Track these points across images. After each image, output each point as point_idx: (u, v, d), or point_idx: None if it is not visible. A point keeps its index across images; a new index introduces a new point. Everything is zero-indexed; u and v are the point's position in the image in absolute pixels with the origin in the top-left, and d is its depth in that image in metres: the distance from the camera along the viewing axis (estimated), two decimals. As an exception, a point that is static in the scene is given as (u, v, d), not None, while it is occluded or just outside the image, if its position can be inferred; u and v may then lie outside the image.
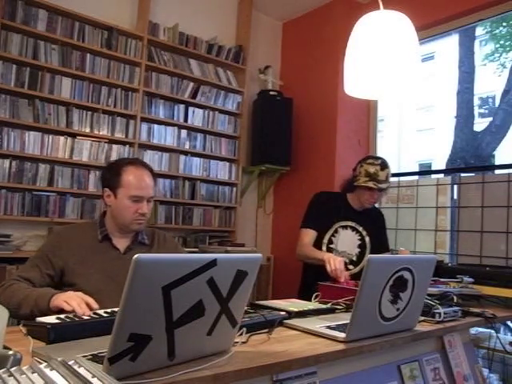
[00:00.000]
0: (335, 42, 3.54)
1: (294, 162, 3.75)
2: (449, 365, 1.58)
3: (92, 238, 1.64)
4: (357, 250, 2.40)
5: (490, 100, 9.43)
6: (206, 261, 0.86)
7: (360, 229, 2.41)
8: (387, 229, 2.64)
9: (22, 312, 1.35)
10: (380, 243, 2.48)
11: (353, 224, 2.40)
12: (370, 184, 2.27)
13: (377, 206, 3.41)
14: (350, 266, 2.37)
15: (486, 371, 1.88)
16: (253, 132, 3.82)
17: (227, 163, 3.66)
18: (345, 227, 2.39)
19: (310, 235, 2.34)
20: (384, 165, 2.31)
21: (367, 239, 2.42)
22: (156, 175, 1.74)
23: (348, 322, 1.20)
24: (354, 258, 2.39)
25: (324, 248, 2.35)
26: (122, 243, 1.67)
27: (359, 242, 2.41)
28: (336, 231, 2.37)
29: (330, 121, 3.57)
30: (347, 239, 2.39)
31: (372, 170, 2.29)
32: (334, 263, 1.97)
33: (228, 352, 1.00)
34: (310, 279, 2.29)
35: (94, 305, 1.28)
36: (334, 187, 3.30)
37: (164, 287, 0.80)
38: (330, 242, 2.36)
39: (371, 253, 2.40)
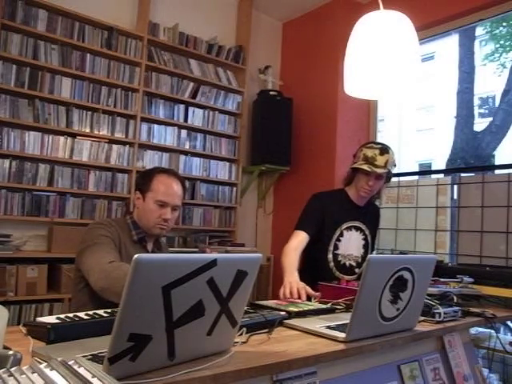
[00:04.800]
0: (335, 42, 3.54)
1: (294, 161, 3.75)
2: (449, 365, 1.58)
3: (128, 236, 1.69)
4: (362, 251, 2.28)
5: (490, 100, 9.42)
6: (206, 261, 0.86)
7: (363, 227, 2.28)
8: (387, 229, 2.61)
9: None
10: (372, 242, 2.37)
11: (356, 223, 2.26)
12: (365, 167, 2.07)
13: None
14: (357, 269, 2.25)
15: (486, 371, 1.88)
16: (253, 132, 3.82)
17: (227, 163, 3.66)
18: (349, 228, 2.25)
19: (299, 238, 2.10)
20: (384, 150, 2.10)
21: (369, 238, 2.31)
22: (186, 188, 1.81)
23: (348, 321, 1.20)
24: (360, 260, 2.26)
25: (330, 255, 2.20)
26: (149, 245, 1.75)
27: (363, 242, 2.29)
28: (341, 234, 2.22)
29: (330, 121, 3.57)
30: (352, 241, 2.26)
31: (370, 153, 2.10)
32: (290, 288, 1.80)
33: (228, 352, 1.00)
34: (306, 280, 2.25)
35: None
36: (334, 187, 3.30)
37: (164, 287, 0.80)
38: (336, 247, 2.20)
39: (371, 253, 2.33)
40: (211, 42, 3.59)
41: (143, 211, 1.68)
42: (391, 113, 10.70)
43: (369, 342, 1.23)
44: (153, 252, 1.75)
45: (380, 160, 2.08)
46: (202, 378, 0.87)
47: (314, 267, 2.21)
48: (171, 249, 3.27)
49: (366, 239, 2.30)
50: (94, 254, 1.49)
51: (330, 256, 2.20)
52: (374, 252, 2.88)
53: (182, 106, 3.41)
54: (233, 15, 3.87)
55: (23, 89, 2.75)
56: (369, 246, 2.32)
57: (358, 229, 2.27)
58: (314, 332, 1.28)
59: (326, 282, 1.91)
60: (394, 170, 2.26)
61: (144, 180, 1.71)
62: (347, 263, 2.23)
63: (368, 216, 2.32)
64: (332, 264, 2.20)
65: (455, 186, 3.01)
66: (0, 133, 2.67)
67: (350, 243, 2.24)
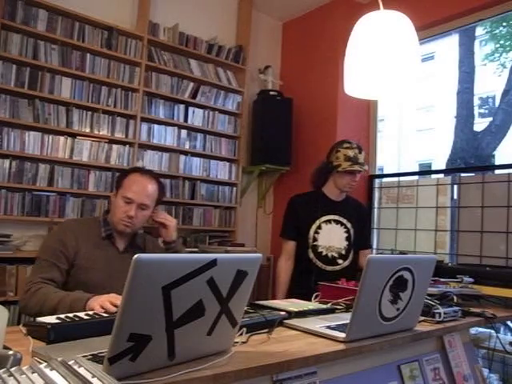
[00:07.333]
0: (335, 42, 3.54)
1: (294, 161, 3.75)
2: (449, 365, 1.58)
3: (95, 234, 1.70)
4: (345, 243, 2.35)
5: (490, 100, 9.42)
6: (206, 261, 0.86)
7: (344, 221, 2.37)
8: (387, 229, 2.62)
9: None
10: (362, 238, 2.42)
11: (336, 217, 2.36)
12: (356, 167, 2.24)
13: (377, 205, 3.43)
14: (340, 260, 2.33)
15: (486, 371, 1.88)
16: (253, 132, 3.82)
17: (227, 163, 3.66)
18: (328, 222, 2.34)
19: (289, 248, 2.36)
20: (360, 147, 2.31)
21: (352, 231, 2.37)
22: (163, 190, 1.84)
23: (348, 321, 1.20)
24: (343, 252, 2.34)
25: (309, 247, 2.32)
26: (120, 243, 1.74)
27: (346, 235, 2.36)
28: (319, 227, 2.33)
29: (330, 121, 3.57)
30: (333, 233, 2.34)
31: (351, 153, 2.26)
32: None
33: (228, 352, 1.00)
34: (298, 278, 2.34)
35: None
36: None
37: (164, 287, 0.80)
38: (315, 239, 2.32)
39: (355, 246, 2.37)
40: (211, 42, 3.59)
41: (112, 207, 1.72)
42: (391, 113, 10.71)
43: (369, 342, 1.23)
44: (124, 251, 1.74)
45: (361, 158, 2.28)
46: (202, 378, 0.87)
47: (298, 260, 2.36)
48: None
49: (348, 232, 2.37)
50: (33, 269, 1.60)
51: (310, 248, 2.33)
52: (374, 251, 2.89)
53: (181, 106, 3.41)
54: (233, 15, 3.86)
55: (23, 89, 2.75)
56: (352, 239, 2.38)
57: (338, 222, 2.37)
58: (314, 332, 1.28)
59: (327, 282, 1.92)
60: (394, 170, 2.31)
61: (120, 177, 1.75)
62: (329, 254, 2.33)
63: (349, 210, 2.40)
64: (312, 255, 2.32)
65: (455, 186, 3.01)
66: (0, 133, 2.67)
67: (331, 236, 2.34)
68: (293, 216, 2.39)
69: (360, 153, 2.28)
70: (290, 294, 2.23)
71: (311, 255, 2.31)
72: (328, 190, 2.38)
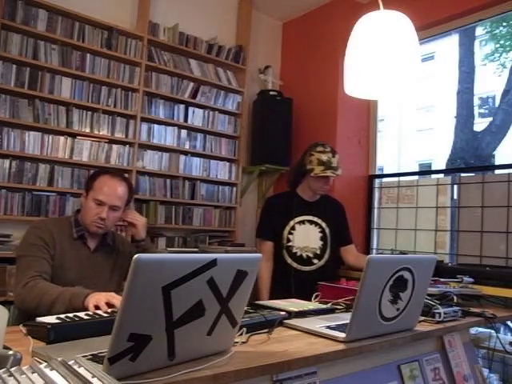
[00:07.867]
0: (335, 42, 3.54)
1: (293, 161, 3.75)
2: (449, 365, 1.59)
3: (68, 234, 1.72)
4: (320, 243, 2.36)
5: (490, 100, 9.43)
6: (206, 261, 0.86)
7: (319, 221, 2.38)
8: (387, 229, 2.61)
9: (55, 311, 1.36)
10: (340, 235, 2.43)
11: (309, 218, 2.37)
12: (329, 173, 2.25)
13: (377, 205, 3.43)
14: (315, 260, 2.34)
15: (486, 371, 1.88)
16: (253, 132, 3.82)
17: (227, 163, 3.66)
18: (302, 222, 2.36)
19: (268, 249, 2.37)
20: (334, 150, 2.31)
21: (327, 230, 2.39)
22: (133, 190, 1.86)
23: (348, 321, 1.20)
24: (318, 252, 2.35)
25: (283, 248, 2.34)
26: (92, 243, 1.77)
27: (321, 235, 2.37)
28: (293, 228, 2.35)
29: (330, 121, 3.57)
30: (307, 234, 2.36)
31: (325, 157, 2.26)
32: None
33: (228, 352, 1.00)
34: (277, 279, 2.36)
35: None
36: (334, 187, 3.30)
37: (164, 287, 0.80)
38: (288, 240, 2.34)
39: (331, 245, 2.38)
40: (211, 42, 3.59)
41: (84, 209, 1.73)
42: (391, 113, 10.71)
43: (369, 342, 1.23)
44: (95, 250, 1.76)
45: (335, 161, 2.27)
46: (202, 378, 0.87)
47: (277, 261, 2.37)
48: (170, 249, 3.28)
49: (323, 232, 2.39)
50: (21, 268, 1.61)
51: (284, 249, 2.35)
52: (374, 251, 2.90)
53: (182, 106, 3.41)
54: (233, 15, 3.86)
55: (23, 89, 2.75)
56: (327, 239, 2.39)
57: (311, 222, 2.38)
58: (314, 332, 1.28)
59: (326, 282, 1.92)
60: (394, 170, 2.30)
61: (89, 180, 1.77)
62: (304, 255, 2.34)
63: (324, 210, 2.42)
64: (287, 255, 2.34)
65: (455, 186, 3.01)
66: (0, 133, 2.67)
67: (305, 236, 2.36)
68: (268, 217, 2.42)
69: (333, 156, 2.28)
70: (271, 295, 2.24)
71: (286, 256, 2.34)
72: (302, 191, 2.41)
